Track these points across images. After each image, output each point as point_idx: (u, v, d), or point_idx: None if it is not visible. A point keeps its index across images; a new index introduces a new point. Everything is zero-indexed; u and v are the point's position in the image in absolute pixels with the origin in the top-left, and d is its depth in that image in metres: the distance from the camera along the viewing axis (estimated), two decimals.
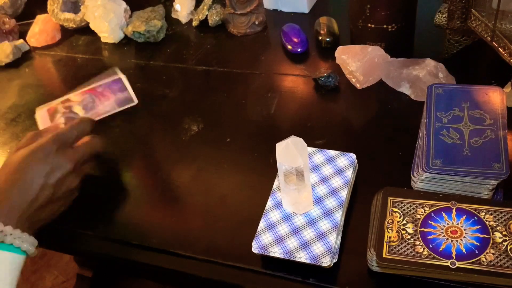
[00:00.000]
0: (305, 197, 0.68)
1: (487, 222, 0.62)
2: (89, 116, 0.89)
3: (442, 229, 0.62)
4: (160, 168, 0.84)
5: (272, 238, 0.67)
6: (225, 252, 0.70)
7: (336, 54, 0.92)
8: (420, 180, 0.68)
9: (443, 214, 0.63)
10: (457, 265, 0.59)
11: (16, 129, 0.97)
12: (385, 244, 0.62)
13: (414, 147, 0.75)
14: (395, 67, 0.88)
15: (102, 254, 0.78)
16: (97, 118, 0.88)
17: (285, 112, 0.90)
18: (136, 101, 0.93)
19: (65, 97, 0.96)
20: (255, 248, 0.67)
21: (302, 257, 0.64)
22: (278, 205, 0.71)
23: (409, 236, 0.62)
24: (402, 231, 0.63)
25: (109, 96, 0.94)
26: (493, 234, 0.61)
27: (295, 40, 1.00)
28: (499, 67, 0.83)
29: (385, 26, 0.91)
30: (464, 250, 0.60)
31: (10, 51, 1.12)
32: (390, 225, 0.63)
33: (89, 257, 1.33)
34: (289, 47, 1.00)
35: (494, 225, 0.61)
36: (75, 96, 0.95)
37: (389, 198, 0.66)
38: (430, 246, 0.61)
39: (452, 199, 0.64)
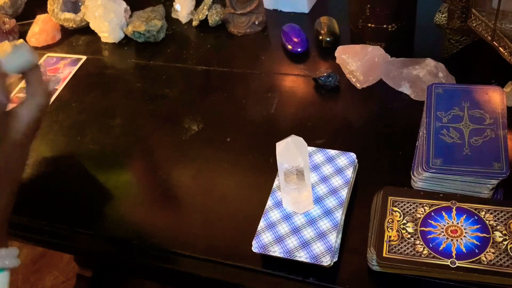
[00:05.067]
0: (305, 197, 0.68)
1: (487, 222, 0.62)
2: None
3: (442, 228, 0.62)
4: (160, 168, 0.84)
5: (272, 238, 0.67)
6: (225, 252, 0.70)
7: (336, 53, 0.92)
8: (420, 179, 0.68)
9: (443, 214, 0.63)
10: (457, 264, 0.58)
11: None
12: (385, 244, 0.62)
13: (414, 146, 0.75)
14: (395, 67, 0.88)
15: (102, 254, 0.79)
16: None
17: (285, 111, 0.90)
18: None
19: None
20: (255, 248, 0.67)
21: (302, 256, 0.64)
22: (278, 204, 0.71)
23: (409, 236, 0.62)
24: (402, 231, 0.63)
25: None
26: (493, 233, 0.61)
27: (295, 40, 1.00)
28: (499, 67, 0.83)
29: (385, 26, 0.91)
30: (464, 249, 0.60)
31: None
32: (390, 225, 0.63)
33: (89, 257, 1.33)
34: (289, 47, 1.00)
35: (494, 224, 0.61)
36: None
37: (389, 198, 0.66)
38: (430, 245, 0.61)
39: (452, 199, 0.64)
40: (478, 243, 0.60)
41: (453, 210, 0.63)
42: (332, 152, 0.76)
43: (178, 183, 0.81)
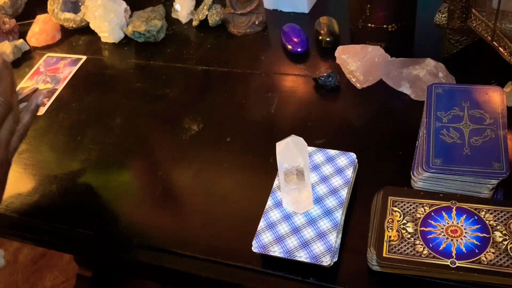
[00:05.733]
0: (305, 197, 0.68)
1: (487, 221, 0.62)
2: None
3: (442, 228, 0.62)
4: (160, 168, 0.84)
5: (272, 238, 0.67)
6: (225, 252, 0.70)
7: (336, 53, 0.92)
8: (420, 179, 0.68)
9: (443, 214, 0.63)
10: (457, 264, 0.58)
11: None
12: (385, 244, 0.62)
13: (414, 146, 0.75)
14: (395, 67, 0.88)
15: (102, 254, 0.79)
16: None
17: (285, 111, 0.90)
18: None
19: None
20: (255, 248, 0.67)
21: (302, 256, 0.64)
22: (278, 204, 0.71)
23: (409, 236, 0.62)
24: (402, 231, 0.63)
25: None
26: (493, 233, 0.61)
27: (295, 40, 1.00)
28: (499, 67, 0.83)
29: (385, 26, 0.91)
30: (464, 249, 0.60)
31: (10, 51, 1.12)
32: (390, 225, 0.63)
33: (89, 257, 1.33)
34: (289, 47, 1.00)
35: (494, 224, 0.61)
36: None
37: (389, 198, 0.66)
38: (430, 245, 0.61)
39: (452, 199, 0.64)
40: (478, 243, 0.60)
41: (453, 210, 0.63)
42: (332, 152, 0.76)
43: (178, 183, 0.81)
